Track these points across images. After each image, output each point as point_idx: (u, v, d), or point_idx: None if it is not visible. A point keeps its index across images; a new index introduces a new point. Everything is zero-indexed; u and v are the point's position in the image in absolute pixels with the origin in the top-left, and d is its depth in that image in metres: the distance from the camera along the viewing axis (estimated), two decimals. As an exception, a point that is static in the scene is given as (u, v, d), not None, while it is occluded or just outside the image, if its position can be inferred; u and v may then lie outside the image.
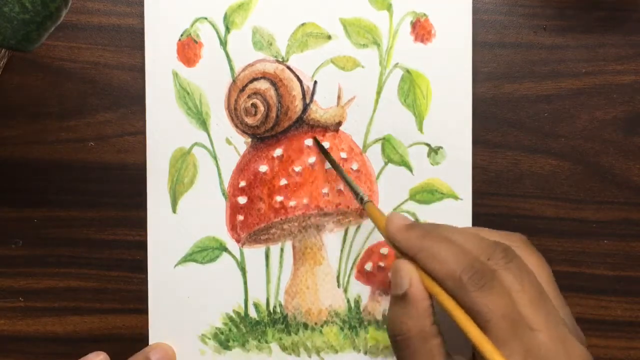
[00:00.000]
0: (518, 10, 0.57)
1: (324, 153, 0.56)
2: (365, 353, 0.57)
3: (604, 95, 0.57)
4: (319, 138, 0.56)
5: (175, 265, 0.56)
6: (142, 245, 0.56)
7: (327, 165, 0.56)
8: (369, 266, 0.57)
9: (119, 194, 0.56)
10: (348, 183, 0.54)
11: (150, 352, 0.55)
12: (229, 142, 0.56)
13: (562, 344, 0.42)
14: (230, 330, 0.57)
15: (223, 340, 0.57)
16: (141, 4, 0.56)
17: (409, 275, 0.45)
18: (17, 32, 0.42)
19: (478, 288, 0.42)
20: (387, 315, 0.48)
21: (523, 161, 0.57)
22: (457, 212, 0.56)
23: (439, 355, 0.44)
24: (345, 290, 0.57)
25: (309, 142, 0.56)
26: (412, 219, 0.52)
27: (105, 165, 0.56)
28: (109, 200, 0.56)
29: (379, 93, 0.56)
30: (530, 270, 0.44)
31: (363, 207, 0.52)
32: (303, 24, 0.56)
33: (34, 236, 0.56)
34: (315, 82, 0.56)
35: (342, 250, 0.57)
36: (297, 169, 0.56)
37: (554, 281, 0.46)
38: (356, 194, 0.53)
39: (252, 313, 0.57)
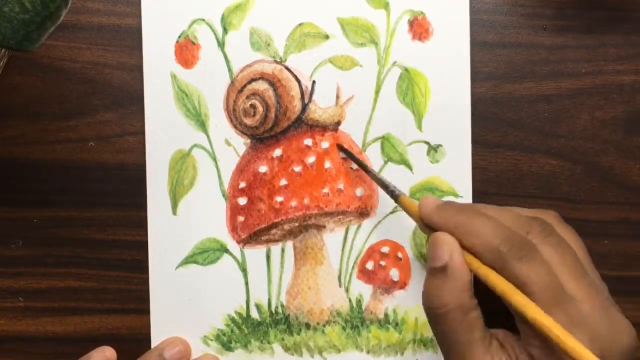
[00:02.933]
0: (518, 10, 0.57)
1: (350, 156, 0.56)
2: (368, 352, 0.57)
3: (604, 95, 0.57)
4: (319, 138, 0.56)
5: (177, 267, 0.56)
6: (142, 246, 0.56)
7: (354, 165, 0.56)
8: (370, 265, 0.57)
9: (119, 194, 0.56)
10: (379, 180, 0.54)
11: (165, 348, 0.55)
12: (228, 143, 0.56)
13: (605, 313, 0.42)
14: (232, 331, 0.57)
15: (225, 342, 0.57)
16: (140, 5, 0.56)
17: (450, 248, 0.45)
18: (17, 32, 0.42)
19: (519, 259, 0.42)
20: (423, 289, 0.46)
21: (523, 161, 0.57)
22: (457, 211, 0.56)
23: (479, 329, 0.44)
24: (347, 290, 0.57)
25: (308, 142, 0.56)
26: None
27: (105, 165, 0.56)
28: (109, 200, 0.56)
29: (377, 92, 0.56)
30: (568, 244, 0.45)
31: (395, 201, 0.52)
32: (300, 24, 0.56)
33: (34, 236, 0.56)
34: (314, 82, 0.56)
35: (343, 250, 0.57)
36: (297, 169, 0.56)
37: (588, 256, 0.47)
38: (387, 188, 0.52)
39: (254, 314, 0.57)
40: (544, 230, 0.45)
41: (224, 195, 0.56)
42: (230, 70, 0.56)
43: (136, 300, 0.57)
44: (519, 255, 0.43)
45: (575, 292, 0.42)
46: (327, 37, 0.56)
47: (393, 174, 0.56)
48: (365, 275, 0.57)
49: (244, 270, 0.57)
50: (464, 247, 0.45)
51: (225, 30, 0.56)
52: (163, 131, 0.56)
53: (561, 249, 0.44)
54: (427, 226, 0.48)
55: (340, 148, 0.56)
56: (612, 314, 0.43)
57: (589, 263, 0.46)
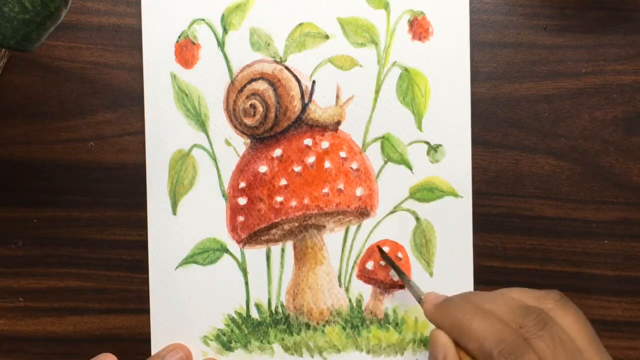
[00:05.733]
0: (518, 10, 0.57)
1: (388, 261, 0.56)
2: (368, 352, 0.57)
3: (604, 95, 0.57)
4: (319, 138, 0.56)
5: (176, 267, 0.56)
6: (142, 246, 0.56)
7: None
8: (370, 265, 0.57)
9: (119, 194, 0.56)
10: (410, 288, 0.54)
11: (166, 355, 0.55)
12: (228, 143, 0.56)
13: None
14: (232, 331, 0.57)
15: (225, 342, 0.57)
16: (140, 5, 0.56)
17: (444, 350, 0.47)
18: (17, 32, 0.42)
19: None
20: None
21: (523, 161, 0.57)
22: (458, 210, 0.56)
23: None
24: (347, 290, 0.57)
25: (308, 142, 0.56)
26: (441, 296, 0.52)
27: (105, 165, 0.56)
28: (109, 200, 0.56)
29: (377, 92, 0.56)
30: (564, 334, 0.45)
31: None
32: (300, 24, 0.56)
33: (34, 236, 0.57)
34: (314, 82, 0.56)
35: (343, 250, 0.57)
36: (297, 169, 0.56)
37: (594, 337, 0.46)
38: (418, 298, 0.53)
39: (254, 314, 0.57)
40: (538, 323, 0.45)
41: (224, 195, 0.56)
42: (230, 70, 0.56)
43: (136, 300, 0.57)
44: (509, 359, 0.43)
45: None
46: (327, 37, 0.56)
47: (393, 174, 0.56)
48: (365, 275, 0.57)
49: (244, 270, 0.57)
50: (459, 346, 0.46)
51: (225, 30, 0.56)
52: (163, 131, 0.56)
53: (554, 344, 0.44)
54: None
55: (381, 252, 0.57)
56: None
57: (594, 346, 0.46)
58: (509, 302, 0.47)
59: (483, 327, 0.45)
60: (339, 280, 0.57)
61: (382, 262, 0.57)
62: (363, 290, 0.57)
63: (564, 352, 0.43)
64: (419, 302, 0.52)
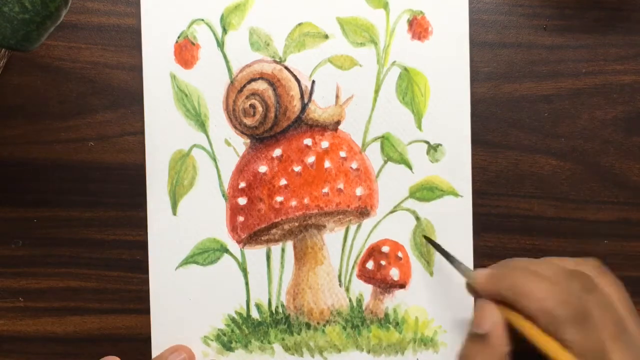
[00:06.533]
0: (518, 10, 0.57)
1: (435, 246, 0.56)
2: (369, 352, 0.57)
3: (604, 95, 0.57)
4: (319, 137, 0.56)
5: (177, 268, 0.56)
6: (142, 245, 0.56)
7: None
8: (370, 264, 0.57)
9: (119, 194, 0.56)
10: (458, 267, 0.54)
11: (169, 356, 0.55)
12: (228, 143, 0.56)
13: None
14: (232, 331, 0.57)
15: (226, 342, 0.57)
16: (140, 5, 0.56)
17: (493, 319, 0.47)
18: (17, 32, 0.42)
19: (571, 324, 0.44)
20: (461, 350, 0.49)
21: (523, 161, 0.57)
22: (458, 209, 0.57)
23: None
24: (347, 289, 0.57)
25: (308, 141, 0.56)
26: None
27: (105, 165, 0.56)
28: (109, 200, 0.56)
29: (377, 91, 0.56)
30: (609, 299, 0.46)
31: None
32: (300, 24, 0.56)
33: (34, 236, 0.57)
34: (313, 82, 0.56)
35: (343, 250, 0.57)
36: (297, 169, 0.56)
37: (632, 307, 0.47)
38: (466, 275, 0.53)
39: (255, 314, 0.57)
40: (584, 287, 0.45)
41: (223, 195, 0.56)
42: (229, 70, 0.56)
43: (136, 300, 0.57)
44: (573, 320, 0.44)
45: (614, 354, 0.43)
46: (326, 36, 0.56)
47: (393, 174, 0.56)
48: (366, 274, 0.57)
49: (244, 270, 0.57)
50: (517, 309, 0.46)
51: (224, 30, 0.56)
52: (163, 131, 0.56)
53: (602, 309, 0.45)
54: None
55: (427, 239, 0.57)
56: None
57: (632, 312, 0.47)
58: (553, 267, 0.47)
59: (541, 287, 0.45)
60: (339, 280, 0.57)
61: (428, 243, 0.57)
62: (363, 290, 0.57)
63: (609, 318, 0.44)
64: (468, 280, 0.52)
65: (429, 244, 0.56)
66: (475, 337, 0.48)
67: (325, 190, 0.56)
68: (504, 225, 0.57)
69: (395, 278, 0.57)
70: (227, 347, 0.57)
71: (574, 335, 0.43)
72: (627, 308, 0.47)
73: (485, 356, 0.47)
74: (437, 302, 0.57)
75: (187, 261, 0.57)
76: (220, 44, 0.56)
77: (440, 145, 0.56)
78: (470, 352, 0.48)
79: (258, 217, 0.56)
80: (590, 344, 0.43)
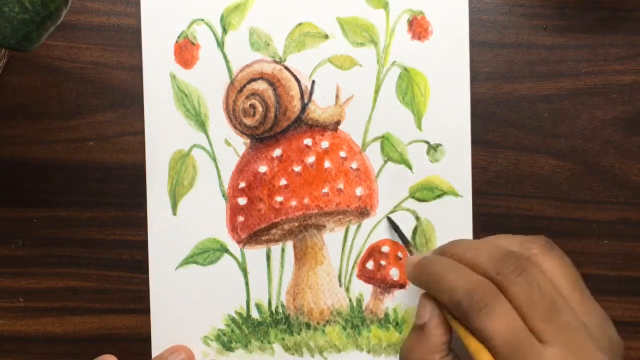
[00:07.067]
0: (518, 10, 0.57)
1: (395, 228, 0.57)
2: (369, 352, 0.57)
3: (604, 95, 0.57)
4: (319, 137, 0.56)
5: (177, 268, 0.56)
6: (142, 245, 0.56)
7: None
8: (370, 264, 0.57)
9: (119, 194, 0.56)
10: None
11: (169, 357, 0.55)
12: (228, 143, 0.56)
13: (574, 355, 0.41)
14: (232, 331, 0.57)
15: (226, 342, 0.57)
16: (140, 5, 0.56)
17: (430, 309, 0.47)
18: (17, 32, 0.42)
19: (477, 312, 0.42)
20: (403, 342, 0.49)
21: (523, 161, 0.57)
22: (458, 209, 0.56)
23: None
24: (347, 289, 0.57)
25: (308, 141, 0.56)
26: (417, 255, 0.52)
27: (105, 165, 0.56)
28: (109, 200, 0.57)
29: (377, 91, 0.56)
30: (544, 279, 0.43)
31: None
32: (300, 24, 0.56)
33: (34, 236, 0.57)
34: (313, 82, 0.56)
35: (343, 250, 0.57)
36: (297, 169, 0.56)
37: (579, 283, 0.45)
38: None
39: (254, 314, 0.57)
40: (516, 268, 0.43)
41: (223, 195, 0.56)
42: (229, 70, 0.56)
43: (136, 300, 0.57)
44: (478, 308, 0.42)
45: (545, 334, 0.41)
46: (326, 36, 0.56)
47: (393, 174, 0.56)
48: (366, 274, 0.57)
49: (244, 270, 0.57)
50: (440, 303, 0.46)
51: (224, 30, 0.56)
52: (163, 131, 0.56)
53: (531, 289, 0.42)
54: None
55: (389, 221, 0.57)
56: (585, 353, 0.42)
57: (580, 292, 0.45)
58: (490, 249, 0.45)
59: (455, 277, 0.44)
60: (339, 280, 0.57)
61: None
62: (363, 290, 0.57)
63: (541, 298, 0.42)
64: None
65: (390, 226, 0.57)
66: (416, 328, 0.47)
67: (325, 190, 0.56)
68: (504, 225, 0.57)
69: (395, 278, 0.57)
70: (227, 347, 0.57)
71: (480, 325, 0.42)
72: (572, 285, 0.44)
73: (422, 346, 0.46)
74: (437, 302, 0.57)
75: (187, 261, 0.57)
76: (220, 44, 0.56)
77: (440, 145, 0.56)
78: (410, 344, 0.47)
79: (258, 217, 0.56)
80: (503, 331, 0.41)
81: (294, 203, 0.56)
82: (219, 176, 0.56)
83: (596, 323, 0.44)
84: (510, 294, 0.43)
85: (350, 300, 0.57)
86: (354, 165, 0.56)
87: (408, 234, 0.57)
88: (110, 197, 0.57)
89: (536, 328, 0.42)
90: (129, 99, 0.56)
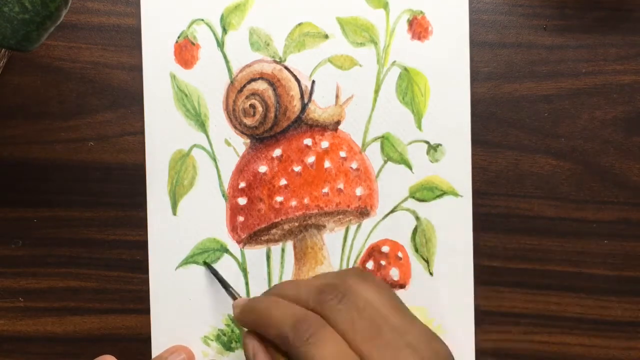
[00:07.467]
0: (518, 10, 0.57)
1: (212, 272, 0.57)
2: (368, 352, 0.57)
3: (604, 95, 0.57)
4: (319, 137, 0.56)
5: (177, 268, 0.56)
6: (142, 245, 0.56)
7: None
8: (370, 265, 0.57)
9: (119, 194, 0.56)
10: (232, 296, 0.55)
11: (169, 357, 0.55)
12: (228, 143, 0.56)
13: None
14: (232, 331, 0.57)
15: (226, 342, 0.57)
16: (140, 5, 0.56)
17: (253, 349, 0.47)
18: (17, 32, 0.42)
19: (305, 342, 0.43)
20: None
21: (523, 161, 0.57)
22: (458, 209, 0.56)
23: None
24: (347, 290, 0.57)
25: (308, 141, 0.56)
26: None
27: (105, 165, 0.56)
28: (109, 200, 0.56)
29: (377, 91, 0.56)
30: (363, 303, 0.45)
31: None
32: (300, 24, 0.56)
33: (34, 236, 0.57)
34: (313, 82, 0.56)
35: (343, 250, 0.57)
36: (297, 168, 0.56)
37: (399, 305, 0.47)
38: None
39: (254, 314, 0.57)
40: (336, 296, 0.45)
41: (223, 195, 0.56)
42: (229, 70, 0.56)
43: (136, 300, 0.57)
44: (304, 338, 0.43)
45: (370, 356, 0.42)
46: (326, 36, 0.56)
47: (393, 174, 0.56)
48: (365, 275, 0.57)
49: (244, 270, 0.57)
50: (266, 339, 0.47)
51: (224, 30, 0.56)
52: (163, 131, 0.56)
53: (352, 313, 0.44)
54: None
55: (206, 265, 0.57)
56: None
57: (397, 312, 0.46)
58: (310, 284, 0.47)
59: (282, 312, 0.46)
60: (339, 280, 0.57)
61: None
62: (363, 290, 0.57)
63: (362, 321, 0.44)
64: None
65: (209, 271, 0.57)
66: None
67: (325, 190, 0.56)
68: (504, 225, 0.57)
69: (395, 278, 0.57)
70: (227, 347, 0.57)
71: (307, 354, 0.43)
72: (391, 305, 0.46)
73: None
74: (437, 302, 0.57)
75: (187, 261, 0.57)
76: (220, 44, 0.56)
77: (440, 145, 0.56)
78: None
79: (258, 217, 0.56)
80: (336, 356, 0.42)
81: (294, 203, 0.56)
82: (219, 176, 0.56)
83: (420, 339, 0.44)
84: (333, 320, 0.44)
85: (350, 300, 0.57)
86: (354, 165, 0.56)
87: (408, 234, 0.57)
88: (110, 197, 0.57)
89: (361, 350, 0.43)
90: (129, 99, 0.56)
